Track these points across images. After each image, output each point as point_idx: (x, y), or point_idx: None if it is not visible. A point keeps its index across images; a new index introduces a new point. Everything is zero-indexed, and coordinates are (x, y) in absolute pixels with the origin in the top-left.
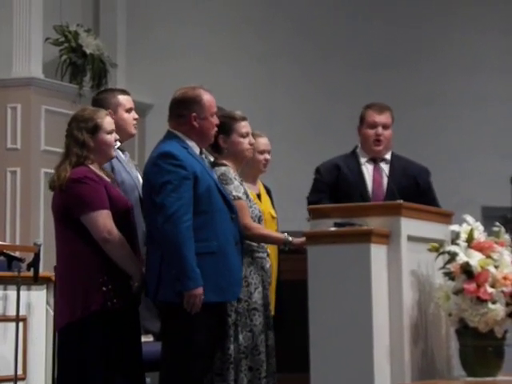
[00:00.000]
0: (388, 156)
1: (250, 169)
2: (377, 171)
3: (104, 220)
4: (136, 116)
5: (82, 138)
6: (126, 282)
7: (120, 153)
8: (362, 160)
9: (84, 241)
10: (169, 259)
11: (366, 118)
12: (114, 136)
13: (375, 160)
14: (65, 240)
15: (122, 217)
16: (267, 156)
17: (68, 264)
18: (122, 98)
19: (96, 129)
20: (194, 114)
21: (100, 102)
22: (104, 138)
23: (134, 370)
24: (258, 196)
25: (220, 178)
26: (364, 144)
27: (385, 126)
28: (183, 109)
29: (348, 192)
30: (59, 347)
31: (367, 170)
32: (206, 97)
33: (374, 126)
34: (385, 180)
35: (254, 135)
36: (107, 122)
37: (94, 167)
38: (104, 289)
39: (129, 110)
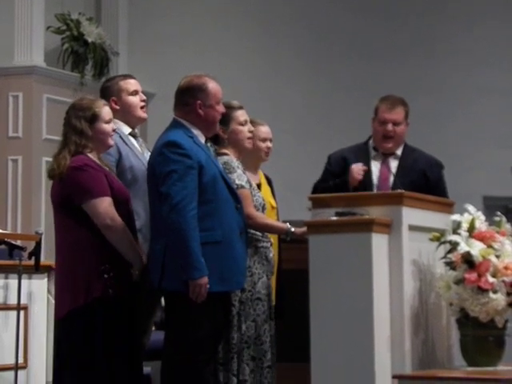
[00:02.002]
0: (399, 151)
1: (252, 157)
2: (385, 166)
3: (106, 207)
4: (143, 97)
5: (80, 127)
6: (127, 270)
7: (131, 139)
8: (372, 153)
9: (85, 229)
10: (174, 248)
11: (378, 114)
12: (112, 126)
13: (385, 154)
14: (65, 229)
15: (122, 206)
16: (269, 144)
17: (69, 253)
18: (123, 83)
19: (94, 118)
20: (199, 102)
21: (105, 92)
22: (102, 127)
23: (132, 357)
24: (258, 186)
25: (223, 167)
26: (374, 138)
27: (395, 123)
28: (189, 97)
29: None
30: (61, 335)
31: (375, 164)
32: (212, 84)
33: (384, 122)
34: (391, 176)
35: (255, 123)
36: (105, 111)
37: (92, 156)
38: (105, 276)
39: (133, 93)
